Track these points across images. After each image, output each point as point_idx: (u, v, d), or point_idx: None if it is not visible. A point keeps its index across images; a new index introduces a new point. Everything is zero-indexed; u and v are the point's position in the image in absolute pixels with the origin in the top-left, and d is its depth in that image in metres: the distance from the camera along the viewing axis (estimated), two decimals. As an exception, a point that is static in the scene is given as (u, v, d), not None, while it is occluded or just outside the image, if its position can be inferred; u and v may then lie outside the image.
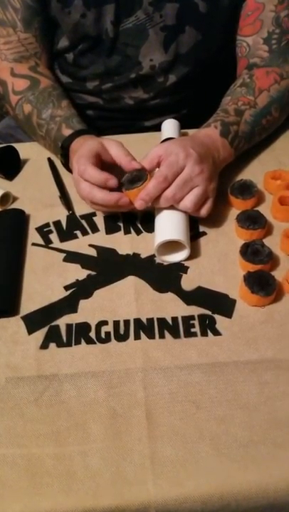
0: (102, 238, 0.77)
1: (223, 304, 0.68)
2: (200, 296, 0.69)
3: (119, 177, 0.72)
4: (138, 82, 0.94)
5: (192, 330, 0.65)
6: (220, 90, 0.91)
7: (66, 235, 0.78)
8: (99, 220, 0.79)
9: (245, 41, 0.90)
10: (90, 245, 0.76)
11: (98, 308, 0.68)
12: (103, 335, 0.65)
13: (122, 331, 0.65)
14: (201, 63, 0.94)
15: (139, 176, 0.71)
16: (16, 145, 0.89)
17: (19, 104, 0.89)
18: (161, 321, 0.66)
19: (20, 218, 0.79)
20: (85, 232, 0.78)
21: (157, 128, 0.93)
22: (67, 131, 0.82)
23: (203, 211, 0.74)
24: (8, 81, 0.90)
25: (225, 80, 0.93)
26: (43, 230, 0.78)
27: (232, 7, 0.88)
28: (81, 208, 0.79)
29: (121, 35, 0.89)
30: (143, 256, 0.74)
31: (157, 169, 0.73)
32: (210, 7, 0.86)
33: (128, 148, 0.76)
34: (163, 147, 0.73)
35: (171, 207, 0.72)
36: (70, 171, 0.83)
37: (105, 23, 0.87)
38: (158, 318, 0.66)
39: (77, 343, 0.64)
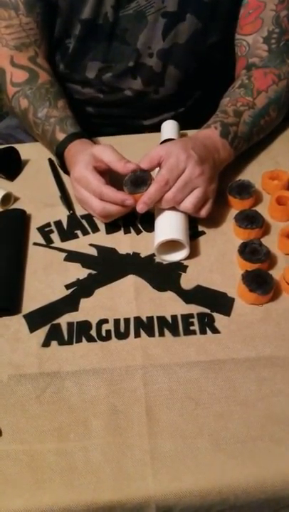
0: (102, 238, 0.78)
1: (221, 303, 0.69)
2: (199, 295, 0.70)
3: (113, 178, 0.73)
4: (137, 71, 0.95)
5: (191, 328, 0.66)
6: (218, 90, 0.92)
7: (67, 234, 0.79)
8: (99, 220, 0.80)
9: (245, 40, 0.91)
10: (91, 245, 0.77)
11: (99, 306, 0.69)
12: (104, 333, 0.66)
13: (122, 329, 0.66)
14: (199, 56, 0.95)
15: (143, 178, 0.72)
16: (16, 146, 0.90)
17: (16, 97, 0.89)
18: (161, 320, 0.67)
19: (22, 218, 0.80)
20: (85, 232, 0.79)
21: (155, 128, 0.93)
22: (60, 135, 0.83)
23: (203, 212, 0.75)
24: (7, 70, 0.90)
25: (223, 80, 0.94)
26: (44, 230, 0.79)
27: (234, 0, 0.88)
28: (82, 208, 0.80)
29: (120, 21, 0.89)
30: (143, 255, 0.75)
31: (157, 169, 0.74)
32: None
33: (127, 148, 0.77)
34: (164, 148, 0.74)
35: (171, 207, 0.73)
36: (67, 172, 0.84)
37: (106, 7, 0.88)
38: (158, 317, 0.67)
39: (79, 341, 0.65)
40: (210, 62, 0.97)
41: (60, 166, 0.86)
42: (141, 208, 0.72)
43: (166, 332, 0.66)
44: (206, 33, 0.92)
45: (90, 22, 0.90)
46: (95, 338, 0.66)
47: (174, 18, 0.89)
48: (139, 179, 0.72)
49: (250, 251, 0.71)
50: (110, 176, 0.78)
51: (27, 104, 0.88)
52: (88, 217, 0.80)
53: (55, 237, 0.78)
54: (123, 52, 0.93)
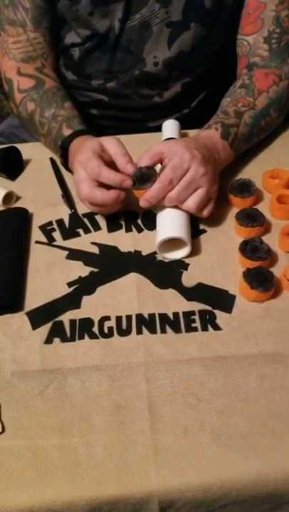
0: (104, 236, 0.78)
1: (222, 300, 0.69)
2: (200, 292, 0.70)
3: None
4: (142, 79, 0.95)
5: (193, 325, 0.66)
6: (221, 91, 0.92)
7: (69, 233, 0.79)
8: (101, 219, 0.80)
9: (246, 40, 0.91)
10: (93, 243, 0.77)
11: (101, 304, 0.69)
12: (106, 330, 0.67)
13: (124, 326, 0.67)
14: (204, 61, 0.96)
15: (148, 175, 0.72)
16: (18, 145, 0.90)
17: (23, 102, 0.90)
18: (163, 317, 0.67)
19: (24, 217, 0.81)
20: (87, 230, 0.79)
21: (159, 130, 0.94)
22: (67, 131, 0.84)
23: (205, 212, 0.75)
24: (13, 79, 0.91)
25: (227, 80, 0.95)
26: (46, 229, 0.80)
27: (235, 4, 0.89)
28: (83, 207, 0.80)
29: (126, 32, 0.90)
30: (144, 253, 0.75)
31: (159, 166, 0.74)
32: (215, 3, 0.88)
33: (129, 147, 0.77)
34: (167, 146, 0.74)
35: (173, 205, 0.74)
36: (69, 170, 0.84)
37: (113, 20, 0.89)
38: (159, 314, 0.68)
39: (81, 338, 0.66)
40: (215, 66, 0.98)
41: (62, 164, 0.86)
42: (143, 204, 0.72)
43: (168, 329, 0.66)
44: (210, 39, 0.93)
45: (97, 35, 0.91)
46: (98, 335, 0.66)
47: (178, 28, 0.90)
48: (145, 176, 0.72)
49: (251, 249, 0.72)
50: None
51: (34, 106, 0.89)
52: (90, 216, 0.81)
53: (57, 235, 0.79)
54: (128, 63, 0.94)
